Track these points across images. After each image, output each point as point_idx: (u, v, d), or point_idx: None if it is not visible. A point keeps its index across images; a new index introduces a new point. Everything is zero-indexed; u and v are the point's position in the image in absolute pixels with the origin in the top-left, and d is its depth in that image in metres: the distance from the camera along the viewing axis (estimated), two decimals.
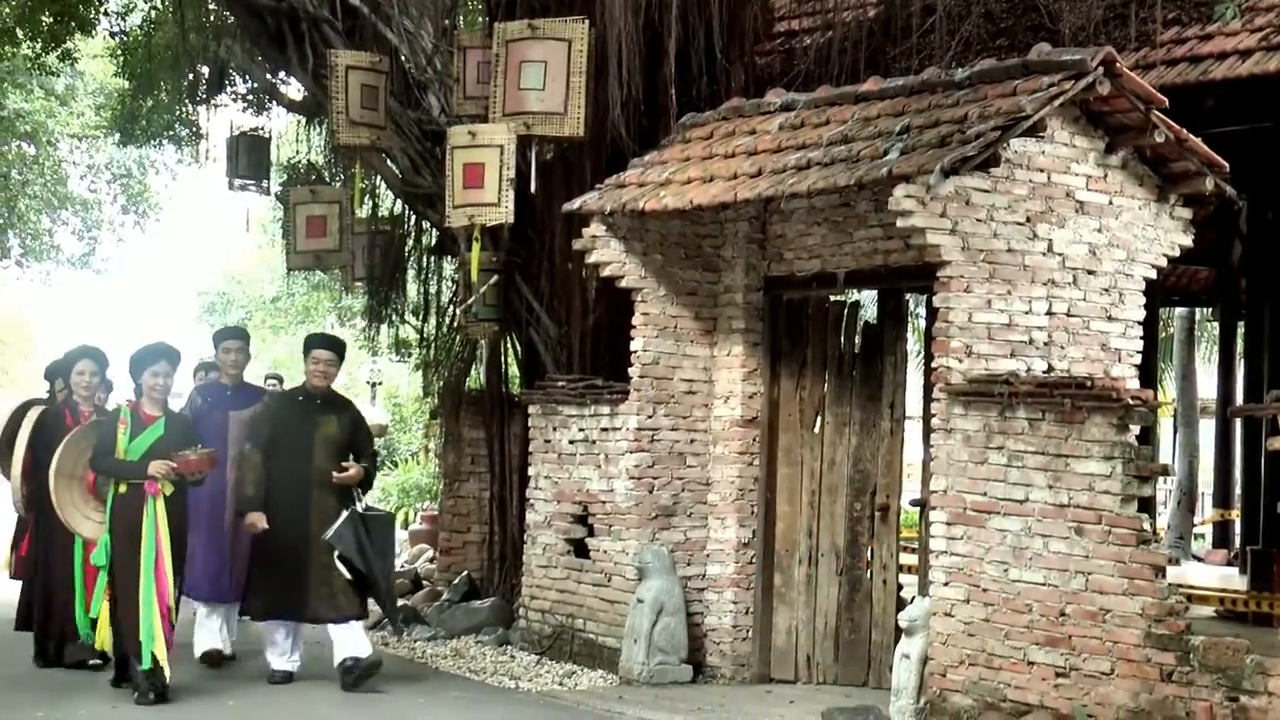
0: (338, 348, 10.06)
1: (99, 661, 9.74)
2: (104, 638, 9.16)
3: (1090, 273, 8.83)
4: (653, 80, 12.34)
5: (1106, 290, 8.92)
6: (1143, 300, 9.16)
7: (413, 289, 16.73)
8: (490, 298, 12.94)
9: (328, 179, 16.28)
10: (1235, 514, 18.23)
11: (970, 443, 8.23)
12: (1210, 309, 20.15)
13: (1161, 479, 12.23)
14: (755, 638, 10.19)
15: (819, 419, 10.22)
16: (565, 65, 11.41)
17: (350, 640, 9.51)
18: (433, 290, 15.84)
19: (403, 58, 13.34)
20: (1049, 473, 7.84)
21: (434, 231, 14.92)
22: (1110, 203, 8.91)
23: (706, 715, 8.91)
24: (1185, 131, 8.80)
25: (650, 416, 10.22)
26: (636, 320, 10.32)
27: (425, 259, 15.88)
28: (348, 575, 9.44)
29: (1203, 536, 21.12)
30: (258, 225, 27.11)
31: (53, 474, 9.25)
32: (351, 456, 9.79)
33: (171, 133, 19.58)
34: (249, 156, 16.00)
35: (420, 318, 16.39)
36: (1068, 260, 8.73)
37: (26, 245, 30.83)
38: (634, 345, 10.31)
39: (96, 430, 9.36)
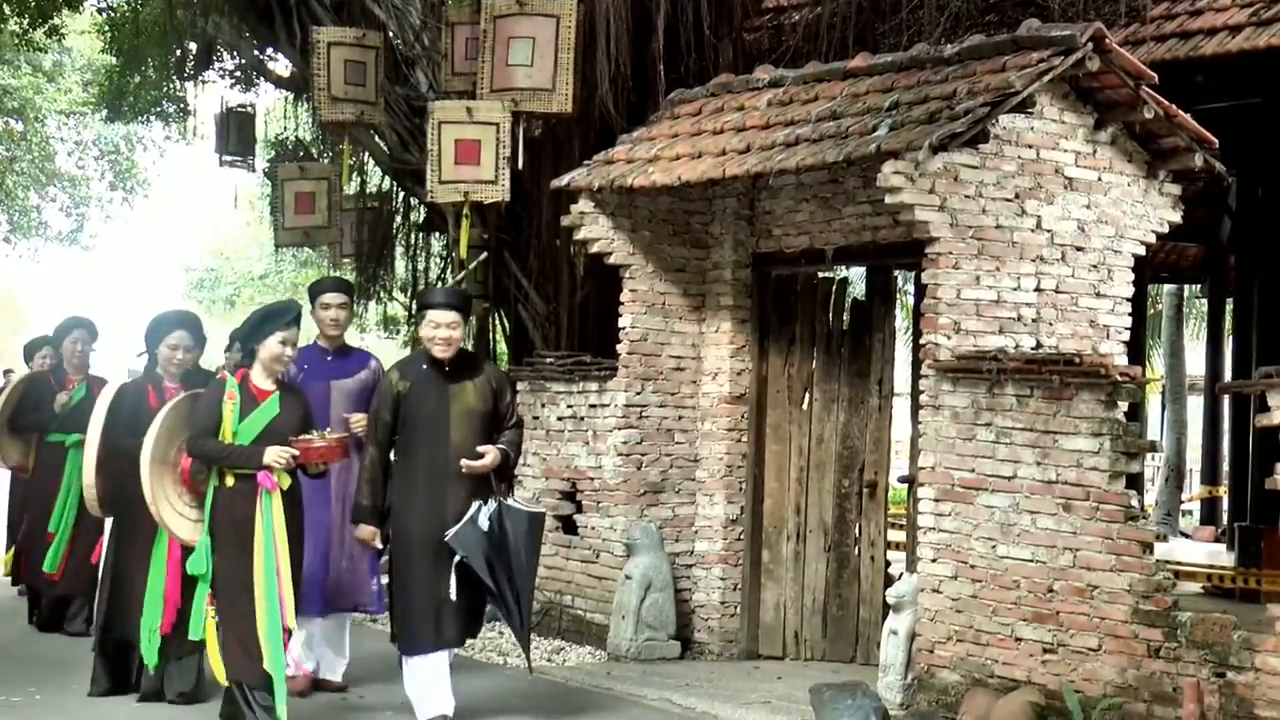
0: (462, 306, 7.97)
1: (180, 699, 8.09)
2: (217, 663, 7.32)
3: (1079, 249, 8.82)
4: (641, 57, 12.33)
5: (1095, 267, 8.91)
6: (1131, 277, 9.15)
7: (401, 265, 16.73)
8: (478, 274, 12.93)
9: (316, 155, 16.27)
10: (1223, 490, 18.29)
11: (958, 419, 8.23)
12: (1199, 285, 20.19)
13: (1150, 455, 12.27)
14: (743, 614, 10.19)
15: (807, 395, 10.22)
16: (554, 41, 11.40)
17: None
18: (421, 267, 15.85)
19: (390, 33, 13.30)
20: (1037, 449, 7.84)
21: (422, 208, 14.91)
22: (1099, 179, 8.89)
23: (694, 691, 8.91)
24: (1175, 107, 8.79)
25: (639, 393, 10.21)
26: (625, 297, 10.30)
27: (413, 235, 15.88)
28: (453, 589, 7.47)
29: (1191, 513, 21.21)
30: (246, 201, 27.10)
31: (146, 460, 7.46)
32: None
33: (159, 109, 19.57)
34: (238, 133, 16.01)
35: (408, 294, 16.39)
36: (1056, 237, 8.72)
37: (14, 222, 30.80)
38: (622, 322, 10.29)
39: (193, 406, 7.60)
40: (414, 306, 9.14)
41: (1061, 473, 7.70)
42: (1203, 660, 7.11)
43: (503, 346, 14.46)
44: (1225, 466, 17.99)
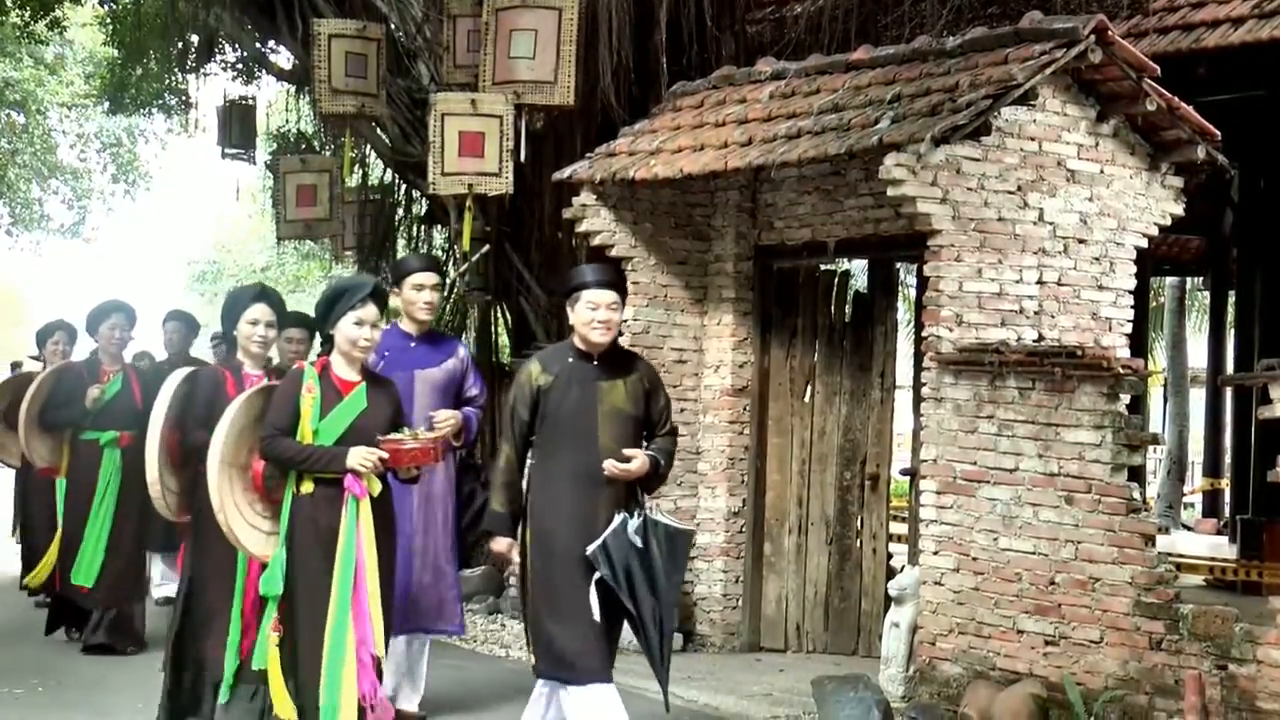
0: (621, 284, 6.96)
1: None
2: (281, 701, 6.26)
3: (1081, 242, 8.81)
4: (643, 49, 12.32)
5: (1097, 259, 8.90)
6: (1133, 269, 9.14)
7: None
8: (481, 267, 12.94)
9: (317, 148, 16.26)
10: (1225, 483, 18.30)
11: (960, 412, 8.22)
12: (1201, 278, 20.18)
13: (1151, 448, 12.28)
14: (745, 606, 10.20)
15: (809, 388, 10.22)
16: (555, 34, 11.38)
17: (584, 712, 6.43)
18: None
19: (392, 26, 13.30)
20: (1039, 442, 7.84)
21: (424, 200, 14.91)
22: (1101, 171, 8.89)
23: (696, 684, 8.92)
24: (1177, 100, 8.78)
25: None
26: (626, 289, 10.28)
27: (415, 228, 15.87)
28: (595, 609, 6.40)
29: (1192, 505, 21.21)
30: (247, 194, 27.10)
31: (214, 462, 6.33)
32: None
33: (161, 101, 19.54)
34: (240, 126, 16.02)
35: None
36: (1058, 229, 8.71)
37: (16, 215, 30.80)
38: (624, 314, 10.26)
39: (265, 400, 6.48)
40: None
41: (1063, 465, 7.70)
42: (1204, 653, 7.11)
43: (505, 339, 14.46)
44: (1227, 459, 17.99)
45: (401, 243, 15.81)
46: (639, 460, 6.54)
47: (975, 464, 8.13)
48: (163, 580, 11.28)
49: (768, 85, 9.95)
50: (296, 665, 6.21)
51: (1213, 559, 13.85)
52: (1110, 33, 8.41)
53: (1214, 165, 9.15)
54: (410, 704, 7.64)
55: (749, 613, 10.19)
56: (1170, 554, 10.11)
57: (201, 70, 17.09)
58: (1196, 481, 21.81)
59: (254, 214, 35.46)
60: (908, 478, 9.27)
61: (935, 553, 8.33)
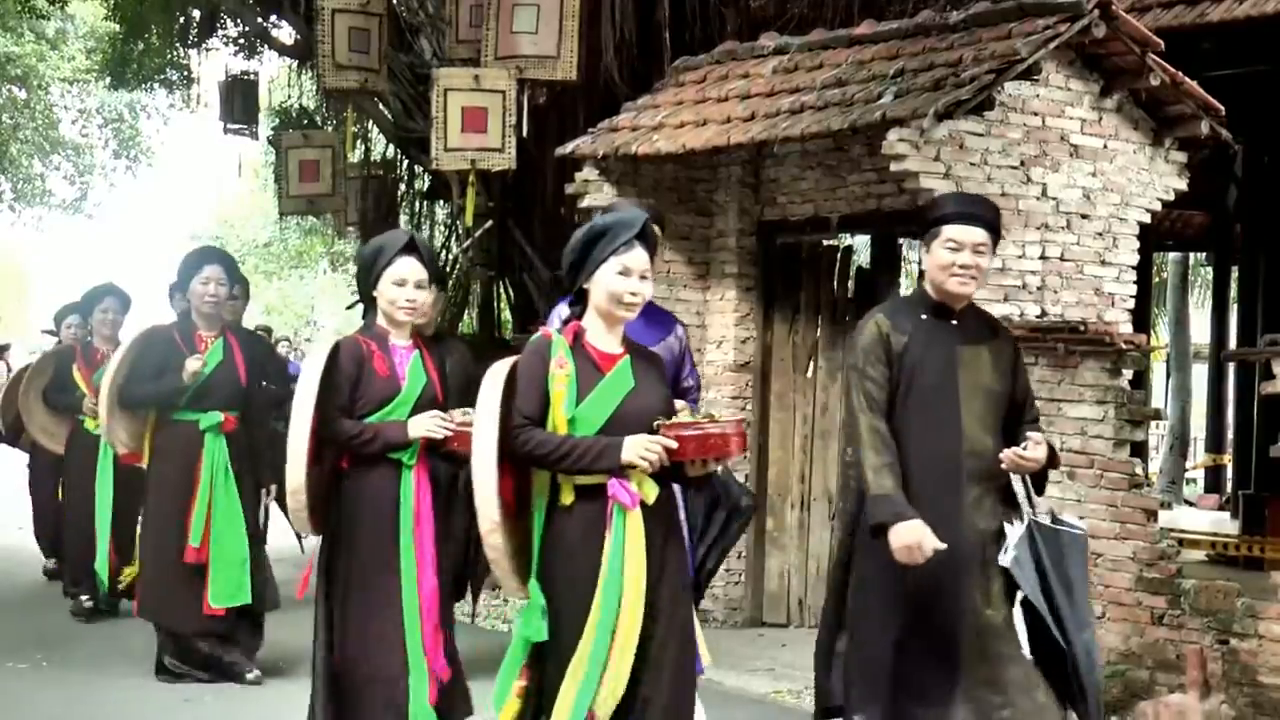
0: (995, 223, 5.46)
1: None
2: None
3: (1084, 217, 8.81)
4: (646, 24, 12.29)
5: (1100, 234, 8.90)
6: (1137, 245, 9.13)
7: None
8: (484, 243, 12.94)
9: (320, 123, 16.25)
10: (1228, 459, 18.28)
11: None
12: (1204, 253, 20.15)
13: (1154, 424, 12.27)
14: (747, 582, 10.21)
15: (812, 364, 10.22)
16: (558, 8, 11.35)
17: None
18: (425, 235, 15.82)
19: (394, 0, 13.27)
20: (1042, 417, 7.83)
21: (426, 176, 14.90)
22: (1105, 146, 8.87)
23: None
24: (1181, 75, 8.76)
25: None
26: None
27: (418, 203, 15.87)
28: (1025, 642, 5.15)
29: (1195, 481, 21.22)
30: (250, 169, 27.09)
31: (485, 462, 4.64)
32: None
33: (163, 76, 19.51)
34: (242, 101, 16.01)
35: None
36: (1062, 204, 8.70)
37: (18, 190, 30.81)
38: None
39: (498, 378, 4.81)
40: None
41: (1066, 440, 7.70)
42: (1206, 628, 7.13)
43: (507, 314, 14.46)
44: (1230, 434, 17.99)
45: (404, 218, 15.81)
46: (1042, 446, 5.21)
47: None
48: None
49: (771, 60, 9.93)
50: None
51: (1215, 534, 13.85)
52: (1114, 7, 8.39)
53: (1218, 140, 9.13)
54: None
55: (751, 588, 10.20)
56: (1172, 529, 10.10)
57: (203, 45, 17.08)
58: (1199, 457, 21.83)
59: (256, 189, 35.45)
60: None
61: None
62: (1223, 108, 8.96)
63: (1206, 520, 16.09)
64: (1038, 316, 8.46)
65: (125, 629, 9.32)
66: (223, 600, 7.69)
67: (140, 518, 8.05)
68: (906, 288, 14.12)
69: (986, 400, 5.24)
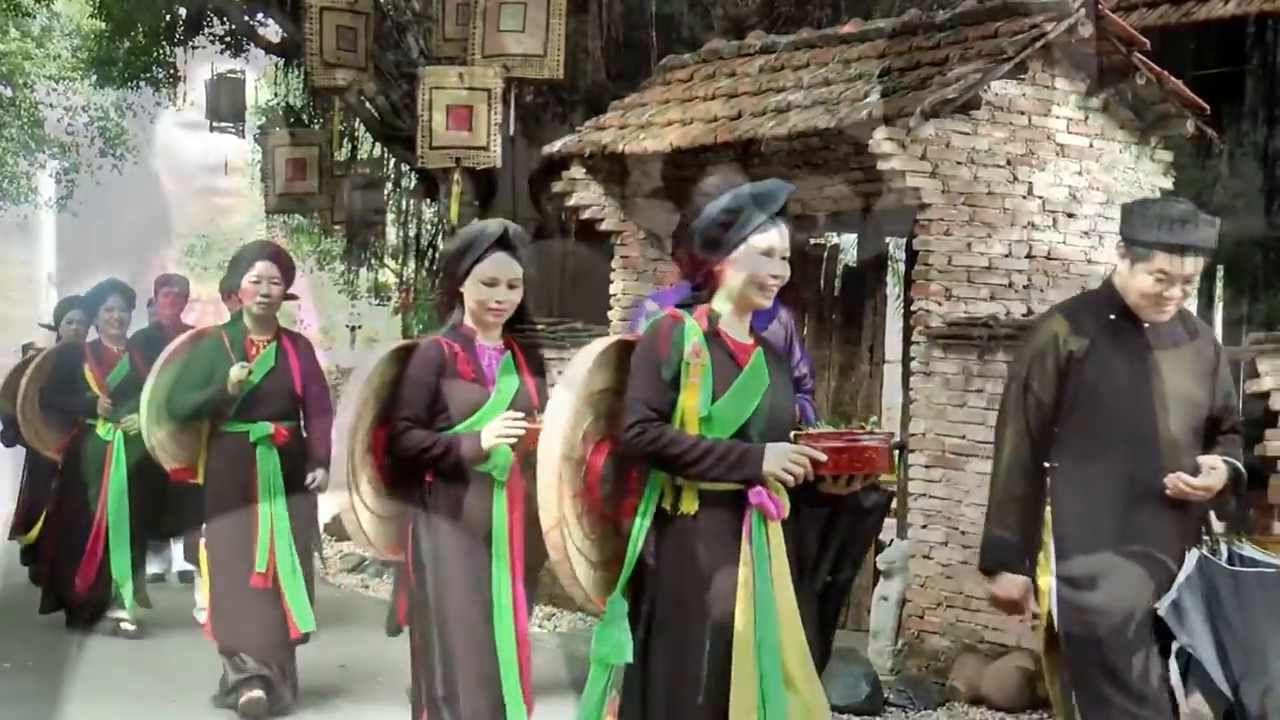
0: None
1: None
2: None
3: (1070, 216, 8.82)
4: (633, 23, 12.29)
5: (1086, 233, 8.91)
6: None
7: (392, 232, 16.72)
8: None
9: (307, 122, 16.23)
10: None
11: (949, 386, 8.24)
12: None
13: None
14: None
15: None
16: (545, 7, 11.36)
17: None
18: (412, 233, 15.83)
19: None
20: None
21: (413, 174, 14.91)
22: (1091, 145, 8.89)
23: None
24: (1167, 74, 8.78)
25: None
26: (616, 263, 10.28)
27: (405, 202, 15.88)
28: (1182, 696, 4.56)
29: None
30: (236, 168, 27.05)
31: (552, 457, 4.15)
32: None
33: (149, 74, 19.45)
34: (229, 99, 15.98)
35: (400, 261, 16.39)
36: (1048, 203, 8.72)
37: (4, 188, 30.71)
38: (613, 288, 10.27)
39: (606, 361, 4.32)
40: None
41: None
42: None
43: None
44: None
45: (391, 216, 15.81)
46: (1219, 470, 4.54)
47: (964, 438, 8.14)
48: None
49: (757, 59, 9.93)
50: None
51: None
52: (1100, 6, 8.40)
53: (1203, 139, 9.16)
54: None
55: None
56: None
57: (190, 43, 17.04)
58: None
59: (242, 188, 35.41)
60: (897, 451, 9.27)
61: (924, 526, 8.35)
62: (1208, 107, 8.99)
63: None
64: (1024, 315, 8.47)
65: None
66: (306, 624, 7.06)
67: (202, 539, 7.46)
68: (893, 286, 14.14)
69: (1190, 412, 4.62)
